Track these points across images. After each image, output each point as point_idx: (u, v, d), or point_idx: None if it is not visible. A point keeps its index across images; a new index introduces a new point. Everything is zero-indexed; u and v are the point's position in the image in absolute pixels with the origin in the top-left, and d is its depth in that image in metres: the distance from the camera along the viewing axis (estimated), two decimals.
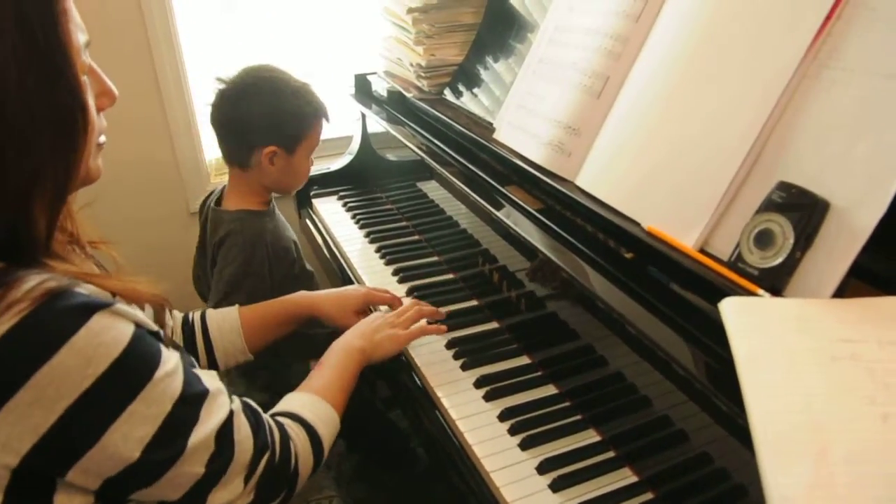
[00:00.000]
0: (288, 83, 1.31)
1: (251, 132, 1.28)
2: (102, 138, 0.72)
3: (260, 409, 0.80)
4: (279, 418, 0.85)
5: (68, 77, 0.61)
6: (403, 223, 1.62)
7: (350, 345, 1.03)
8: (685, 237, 0.77)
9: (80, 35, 0.64)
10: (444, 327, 1.14)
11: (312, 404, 0.89)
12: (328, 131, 2.14)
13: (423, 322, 1.14)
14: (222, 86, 1.30)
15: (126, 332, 0.62)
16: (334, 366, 0.99)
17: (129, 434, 0.62)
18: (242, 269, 1.28)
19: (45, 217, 0.62)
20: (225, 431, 0.71)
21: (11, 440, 0.58)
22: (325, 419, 0.89)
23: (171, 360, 0.67)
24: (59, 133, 0.62)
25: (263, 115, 1.26)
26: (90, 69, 0.68)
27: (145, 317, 0.67)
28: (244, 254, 1.28)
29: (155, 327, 0.68)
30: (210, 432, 0.69)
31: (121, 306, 0.63)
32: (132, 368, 0.62)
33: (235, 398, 0.77)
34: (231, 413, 0.73)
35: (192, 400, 0.68)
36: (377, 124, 1.63)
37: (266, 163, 1.29)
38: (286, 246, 1.38)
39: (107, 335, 0.60)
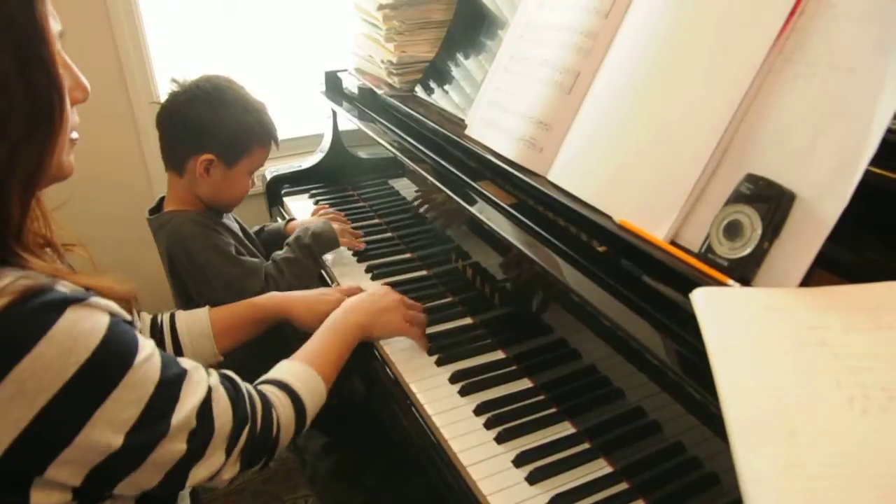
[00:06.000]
0: (244, 98, 1.29)
1: (194, 136, 1.24)
2: (75, 134, 0.71)
3: (238, 380, 0.82)
4: (263, 386, 0.87)
5: (44, 58, 0.61)
6: (376, 220, 1.61)
7: (347, 320, 1.05)
8: (656, 230, 0.78)
9: (54, 23, 0.64)
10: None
11: (301, 373, 0.92)
12: (299, 129, 2.15)
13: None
14: (176, 87, 1.27)
15: (102, 321, 0.63)
16: (331, 337, 1.01)
17: (113, 419, 0.63)
18: (213, 252, 1.24)
19: (19, 204, 0.62)
20: (205, 407, 0.73)
21: None
22: (312, 389, 0.91)
23: (147, 345, 0.68)
24: (36, 116, 0.62)
25: (211, 120, 1.23)
26: (63, 62, 0.67)
27: (119, 308, 0.67)
28: (196, 243, 1.24)
29: (129, 317, 0.69)
30: (191, 409, 0.71)
31: (95, 299, 0.64)
32: (113, 356, 0.63)
33: (213, 372, 0.79)
34: (210, 389, 0.75)
35: (172, 380, 0.70)
36: (348, 121, 1.62)
37: (201, 170, 1.25)
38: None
39: (83, 325, 0.61)
